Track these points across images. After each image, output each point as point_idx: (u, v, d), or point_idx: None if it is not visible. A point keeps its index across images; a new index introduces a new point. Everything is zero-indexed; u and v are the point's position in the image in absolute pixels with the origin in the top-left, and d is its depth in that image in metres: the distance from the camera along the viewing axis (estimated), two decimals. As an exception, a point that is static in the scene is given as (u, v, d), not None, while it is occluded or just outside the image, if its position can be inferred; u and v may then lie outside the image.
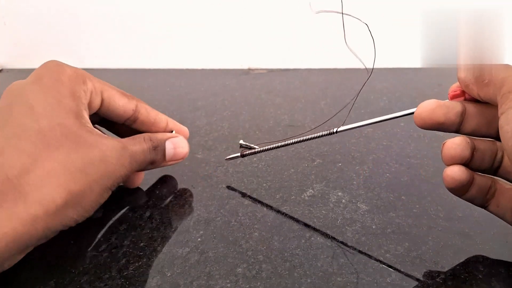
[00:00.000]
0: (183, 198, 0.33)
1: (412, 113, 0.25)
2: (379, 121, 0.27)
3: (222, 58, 0.61)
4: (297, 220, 0.29)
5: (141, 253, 0.27)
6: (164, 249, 0.28)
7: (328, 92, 0.51)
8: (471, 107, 0.24)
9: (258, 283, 0.24)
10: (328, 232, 0.28)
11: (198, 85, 0.56)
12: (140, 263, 0.26)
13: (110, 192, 0.27)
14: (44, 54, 0.63)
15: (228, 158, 0.35)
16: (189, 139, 0.35)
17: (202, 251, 0.27)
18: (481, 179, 0.25)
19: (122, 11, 0.61)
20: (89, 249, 0.28)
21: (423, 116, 0.24)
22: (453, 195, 0.25)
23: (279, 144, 0.31)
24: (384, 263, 0.25)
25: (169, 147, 0.32)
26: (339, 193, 0.32)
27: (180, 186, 0.34)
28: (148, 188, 0.34)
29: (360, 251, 0.26)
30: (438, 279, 0.24)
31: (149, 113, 0.32)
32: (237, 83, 0.56)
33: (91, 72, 0.29)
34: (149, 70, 0.63)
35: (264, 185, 0.34)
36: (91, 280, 0.25)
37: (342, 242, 0.27)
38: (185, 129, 0.35)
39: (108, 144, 0.27)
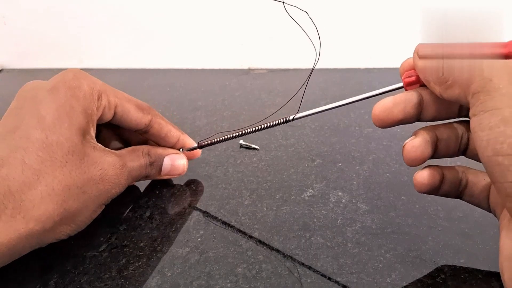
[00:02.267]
0: (183, 198, 0.33)
1: (370, 97, 0.25)
2: (337, 106, 0.26)
3: (222, 58, 0.61)
4: (297, 220, 0.29)
5: (141, 253, 0.27)
6: (164, 249, 0.28)
7: (328, 92, 0.51)
8: (427, 95, 0.24)
9: (258, 283, 0.24)
10: (328, 232, 0.28)
11: (198, 85, 0.56)
12: (140, 263, 0.26)
13: (103, 207, 0.28)
14: (44, 54, 0.63)
15: (187, 149, 0.34)
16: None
17: (202, 251, 0.27)
18: (451, 174, 0.25)
19: (122, 11, 0.61)
20: (89, 249, 0.28)
21: (381, 117, 0.24)
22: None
23: (235, 134, 0.32)
24: (384, 263, 0.25)
25: (167, 163, 0.32)
26: (339, 193, 0.32)
27: (180, 186, 0.34)
28: (148, 188, 0.34)
29: (360, 251, 0.26)
30: (438, 279, 0.24)
31: (161, 128, 0.32)
32: (237, 83, 0.56)
33: (91, 72, 0.29)
34: (149, 70, 0.63)
35: (264, 185, 0.34)
36: (91, 280, 0.25)
37: (342, 242, 0.27)
38: (193, 144, 0.34)
39: (109, 161, 0.27)
